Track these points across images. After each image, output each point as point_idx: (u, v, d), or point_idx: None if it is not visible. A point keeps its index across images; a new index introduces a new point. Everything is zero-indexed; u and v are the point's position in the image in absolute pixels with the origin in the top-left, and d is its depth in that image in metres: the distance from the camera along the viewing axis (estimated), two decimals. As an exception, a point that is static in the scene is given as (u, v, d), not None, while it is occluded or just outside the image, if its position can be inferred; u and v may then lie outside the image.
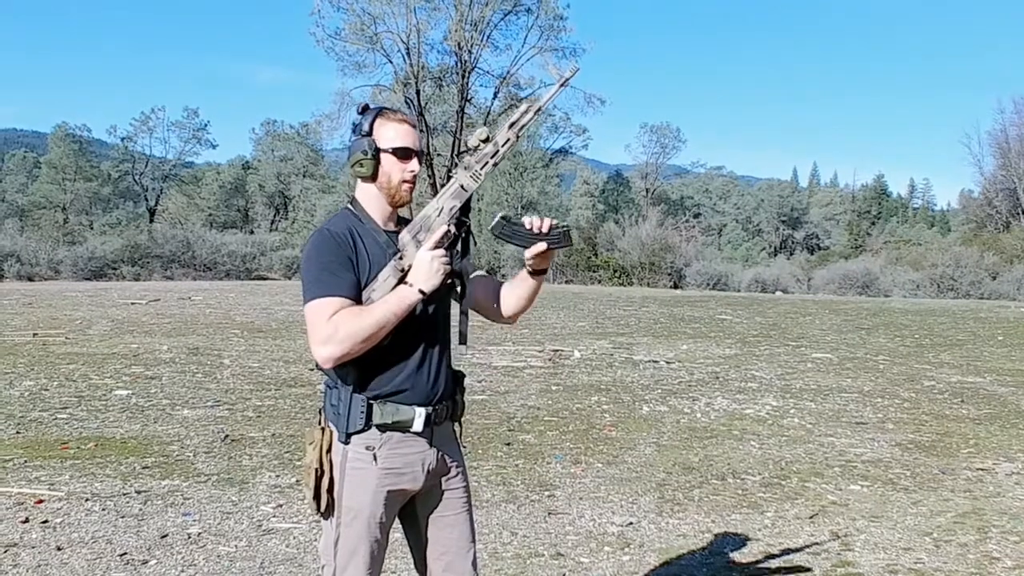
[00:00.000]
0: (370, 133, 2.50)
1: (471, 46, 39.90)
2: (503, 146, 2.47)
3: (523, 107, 2.48)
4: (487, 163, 2.48)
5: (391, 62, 40.00)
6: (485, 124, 43.34)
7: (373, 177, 2.52)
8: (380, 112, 2.54)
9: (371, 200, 2.55)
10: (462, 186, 2.48)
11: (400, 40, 38.97)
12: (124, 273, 31.81)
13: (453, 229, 2.49)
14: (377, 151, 2.49)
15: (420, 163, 2.54)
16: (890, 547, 4.87)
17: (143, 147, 61.06)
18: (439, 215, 2.47)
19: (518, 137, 2.48)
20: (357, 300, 2.41)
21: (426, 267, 2.42)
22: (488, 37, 40.53)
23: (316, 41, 39.21)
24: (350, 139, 2.56)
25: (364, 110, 2.56)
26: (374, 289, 2.43)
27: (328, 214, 51.68)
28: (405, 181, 2.51)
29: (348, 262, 2.42)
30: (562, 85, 2.49)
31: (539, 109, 2.49)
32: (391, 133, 2.50)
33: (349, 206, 2.59)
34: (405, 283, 2.43)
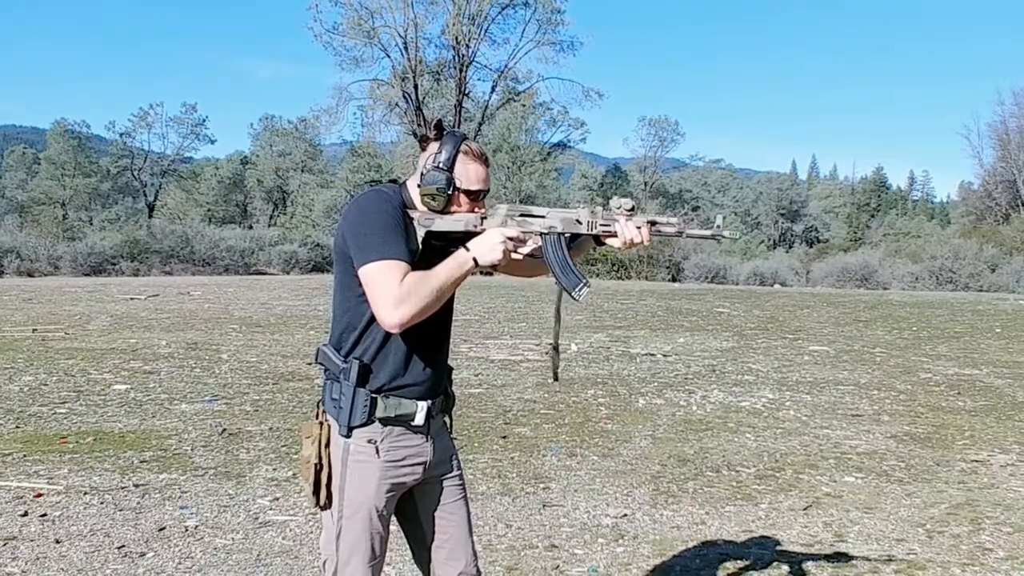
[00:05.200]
0: (451, 169, 2.46)
1: (469, 40, 39.94)
2: (626, 224, 2.50)
3: (673, 222, 2.54)
4: (608, 222, 2.52)
5: (389, 56, 40.08)
6: (483, 119, 43.38)
7: (442, 211, 2.49)
8: (460, 147, 2.48)
9: (420, 204, 2.52)
10: (577, 220, 2.53)
11: (398, 34, 39.03)
12: (123, 268, 31.76)
13: (531, 244, 2.50)
14: (455, 191, 2.48)
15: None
16: (883, 538, 4.91)
17: (142, 143, 60.88)
18: (549, 220, 2.51)
19: (650, 233, 2.52)
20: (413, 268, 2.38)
21: (491, 242, 2.42)
22: (486, 31, 40.60)
23: (314, 36, 39.36)
24: (426, 166, 2.47)
25: (439, 128, 2.50)
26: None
27: (327, 209, 51.41)
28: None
29: (406, 230, 2.41)
30: (712, 237, 2.57)
31: (678, 234, 2.54)
32: (472, 175, 2.48)
33: (400, 188, 2.55)
34: (464, 247, 2.42)
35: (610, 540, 4.80)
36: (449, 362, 2.71)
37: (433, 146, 2.49)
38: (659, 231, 2.54)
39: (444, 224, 2.46)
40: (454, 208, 2.49)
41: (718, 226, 2.57)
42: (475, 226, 2.48)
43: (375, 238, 2.36)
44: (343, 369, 2.46)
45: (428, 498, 2.65)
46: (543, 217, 2.52)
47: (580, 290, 2.51)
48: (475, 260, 2.41)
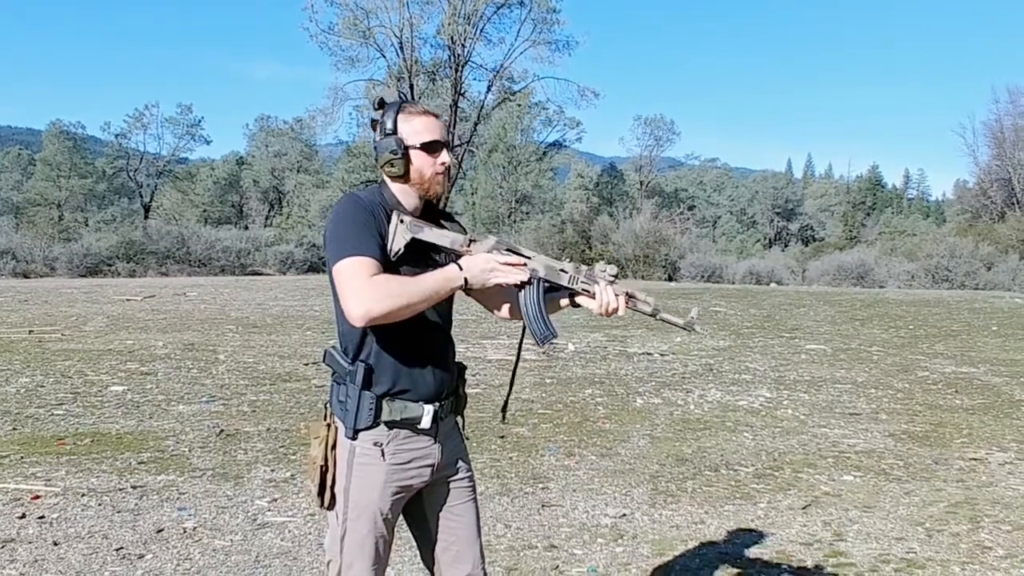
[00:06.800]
0: (395, 131, 2.47)
1: (464, 40, 39.83)
2: (607, 288, 2.51)
3: (650, 301, 2.57)
4: (589, 283, 2.52)
5: (384, 56, 39.99)
6: (479, 119, 43.38)
7: (405, 176, 2.49)
8: (401, 107, 2.49)
9: (401, 193, 2.52)
10: (562, 270, 2.52)
11: (393, 34, 38.94)
12: (119, 269, 31.74)
13: (522, 277, 2.48)
14: (406, 149, 2.46)
15: (450, 151, 2.51)
16: (882, 537, 4.90)
17: (137, 143, 60.91)
18: (534, 263, 2.50)
19: (626, 303, 2.54)
20: (385, 271, 2.37)
21: (484, 264, 2.42)
22: (481, 31, 40.47)
23: (309, 36, 39.18)
24: (375, 139, 2.51)
25: (381, 105, 2.52)
26: (393, 240, 2.42)
27: (323, 209, 51.42)
28: (438, 173, 2.50)
29: (379, 232, 2.40)
30: (684, 327, 2.67)
31: (652, 314, 2.58)
32: (417, 127, 2.46)
33: (381, 188, 2.55)
34: (457, 265, 2.42)
35: (609, 540, 4.80)
36: (462, 362, 2.71)
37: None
38: (635, 306, 2.56)
39: (431, 235, 2.46)
40: (414, 171, 2.48)
41: (692, 317, 2.67)
42: (461, 246, 2.47)
43: (345, 239, 2.36)
44: (349, 372, 2.46)
45: (437, 499, 2.64)
46: (529, 259, 2.51)
47: (546, 340, 2.53)
48: (466, 280, 2.40)
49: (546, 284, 2.52)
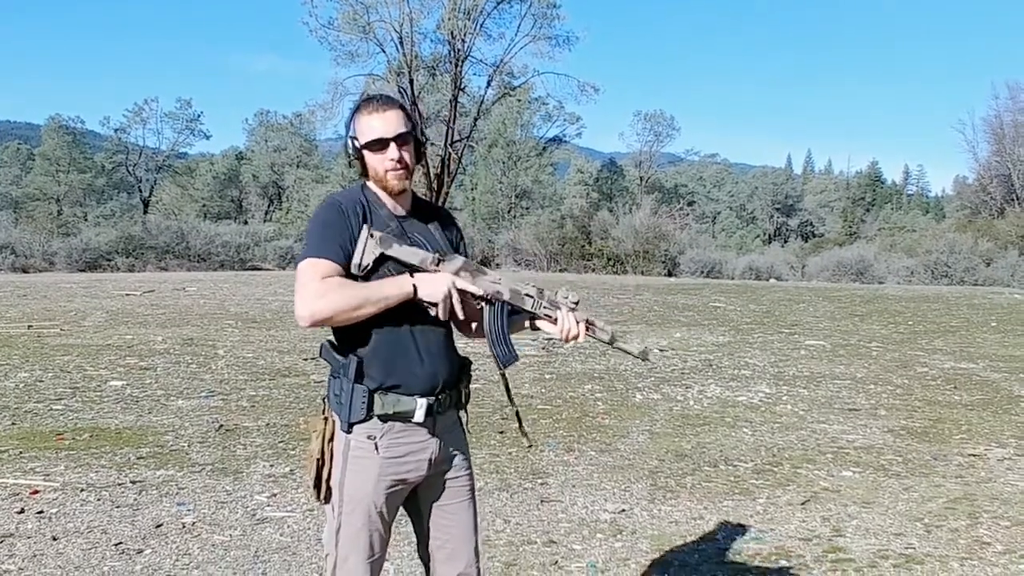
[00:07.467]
0: (351, 131, 2.51)
1: (464, 35, 39.76)
2: (568, 314, 2.55)
3: (608, 330, 2.63)
4: (551, 309, 2.57)
5: (384, 51, 39.90)
6: (479, 114, 43.34)
7: (365, 175, 2.53)
8: (358, 107, 2.52)
9: (377, 189, 2.55)
10: (527, 294, 2.56)
11: (393, 29, 38.84)
12: (118, 264, 31.67)
13: (483, 302, 2.53)
14: (359, 149, 2.50)
15: (407, 144, 2.50)
16: (881, 533, 4.91)
17: (136, 138, 60.74)
18: (499, 286, 2.53)
19: (585, 330, 2.58)
20: (345, 273, 2.39)
21: (437, 283, 2.43)
22: (481, 25, 40.38)
23: (309, 31, 39.10)
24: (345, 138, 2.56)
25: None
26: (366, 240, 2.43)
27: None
28: (388, 170, 2.49)
29: (347, 233, 2.42)
30: (637, 356, 2.74)
31: (610, 343, 2.65)
32: (371, 124, 2.48)
33: (362, 186, 2.58)
34: (410, 274, 2.44)
35: (608, 535, 4.80)
36: (467, 357, 2.71)
37: None
38: (594, 334, 2.62)
39: (400, 252, 2.47)
40: (370, 169, 2.51)
41: (647, 348, 2.79)
42: (429, 264, 2.48)
43: (311, 240, 2.42)
44: (343, 365, 2.47)
45: (432, 496, 2.65)
46: (496, 283, 2.54)
47: (508, 363, 2.57)
48: (415, 288, 2.41)
49: (510, 307, 2.55)
